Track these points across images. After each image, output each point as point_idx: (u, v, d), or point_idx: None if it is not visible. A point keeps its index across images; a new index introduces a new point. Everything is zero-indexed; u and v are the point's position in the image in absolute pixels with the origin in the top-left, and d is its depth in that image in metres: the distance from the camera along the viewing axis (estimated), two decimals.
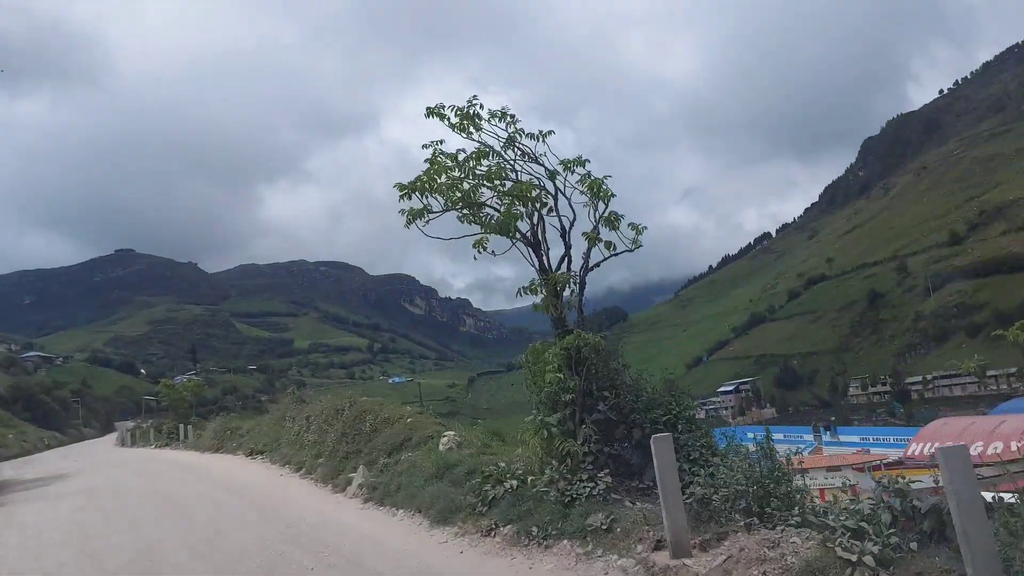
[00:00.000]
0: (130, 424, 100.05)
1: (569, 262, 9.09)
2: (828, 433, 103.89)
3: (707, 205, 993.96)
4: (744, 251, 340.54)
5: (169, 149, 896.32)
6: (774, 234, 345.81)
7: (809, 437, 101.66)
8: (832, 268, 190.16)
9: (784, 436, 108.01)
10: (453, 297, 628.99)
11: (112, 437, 72.59)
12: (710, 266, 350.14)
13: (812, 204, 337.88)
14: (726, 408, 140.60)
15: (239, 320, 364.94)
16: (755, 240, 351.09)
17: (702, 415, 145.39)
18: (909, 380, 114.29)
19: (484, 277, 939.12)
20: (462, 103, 9.45)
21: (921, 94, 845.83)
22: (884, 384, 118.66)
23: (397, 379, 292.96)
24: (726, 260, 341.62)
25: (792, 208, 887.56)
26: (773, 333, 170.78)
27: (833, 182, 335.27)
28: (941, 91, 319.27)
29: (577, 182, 8.96)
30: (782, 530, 5.96)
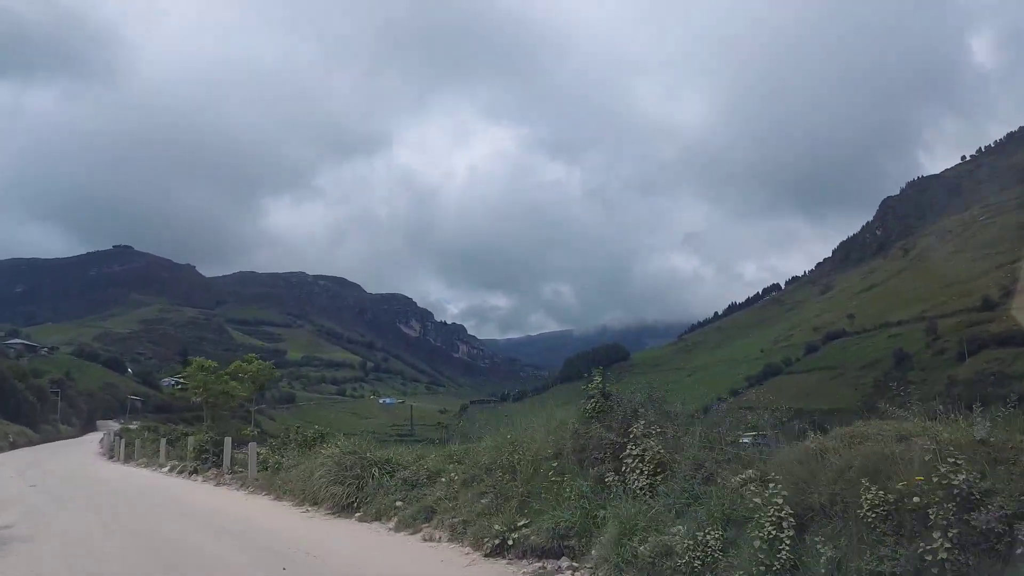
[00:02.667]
0: (115, 426, 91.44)
1: None
2: None
3: (707, 252, 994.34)
4: (752, 300, 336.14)
5: (177, 152, 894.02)
6: (783, 286, 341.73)
7: None
8: (853, 324, 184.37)
9: None
10: (448, 322, 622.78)
11: (92, 439, 63.18)
12: (715, 312, 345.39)
13: (825, 259, 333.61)
14: None
15: (233, 327, 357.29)
16: (763, 291, 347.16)
17: None
18: None
19: (479, 304, 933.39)
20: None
21: (933, 161, 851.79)
22: None
23: (389, 400, 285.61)
24: (733, 308, 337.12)
25: (793, 262, 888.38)
26: (790, 386, 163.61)
27: (848, 239, 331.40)
28: (964, 157, 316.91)
29: None
30: None
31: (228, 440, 22.61)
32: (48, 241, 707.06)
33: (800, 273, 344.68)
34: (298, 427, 21.58)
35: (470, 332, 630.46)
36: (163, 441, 29.92)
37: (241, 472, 20.40)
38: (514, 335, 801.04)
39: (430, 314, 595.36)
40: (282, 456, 18.62)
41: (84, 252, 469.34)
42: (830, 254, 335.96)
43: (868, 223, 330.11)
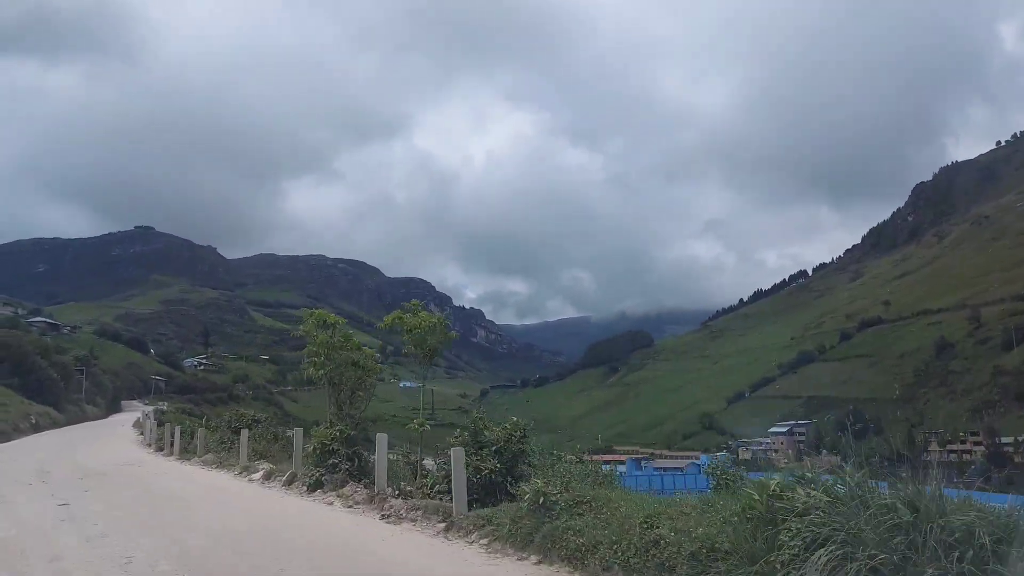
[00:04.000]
0: (141, 406, 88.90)
1: None
2: None
3: (728, 239, 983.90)
4: (778, 287, 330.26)
5: (199, 134, 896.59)
6: (810, 273, 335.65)
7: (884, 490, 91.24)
8: (888, 311, 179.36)
9: None
10: (467, 307, 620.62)
11: (120, 421, 59.27)
12: (740, 299, 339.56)
13: (854, 246, 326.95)
14: (777, 450, 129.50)
15: (254, 308, 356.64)
16: (790, 277, 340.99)
17: (748, 455, 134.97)
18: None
19: (496, 290, 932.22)
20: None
21: (960, 149, 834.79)
22: (964, 442, 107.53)
23: (408, 383, 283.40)
24: (758, 294, 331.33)
25: (815, 250, 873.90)
26: (824, 374, 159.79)
27: (879, 225, 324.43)
28: (999, 143, 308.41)
29: None
30: None
31: (382, 438, 13.21)
32: (70, 221, 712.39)
33: (827, 260, 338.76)
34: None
35: (488, 317, 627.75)
36: (245, 433, 20.13)
37: (410, 493, 12.25)
38: (532, 320, 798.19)
39: (448, 299, 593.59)
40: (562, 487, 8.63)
41: (106, 232, 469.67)
42: (859, 241, 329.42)
43: (899, 209, 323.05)
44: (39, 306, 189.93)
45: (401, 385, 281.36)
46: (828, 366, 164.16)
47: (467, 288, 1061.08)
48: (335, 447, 14.31)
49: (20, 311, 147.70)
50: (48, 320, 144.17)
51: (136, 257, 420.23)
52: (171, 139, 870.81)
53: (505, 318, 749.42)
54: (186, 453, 24.32)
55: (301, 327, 18.24)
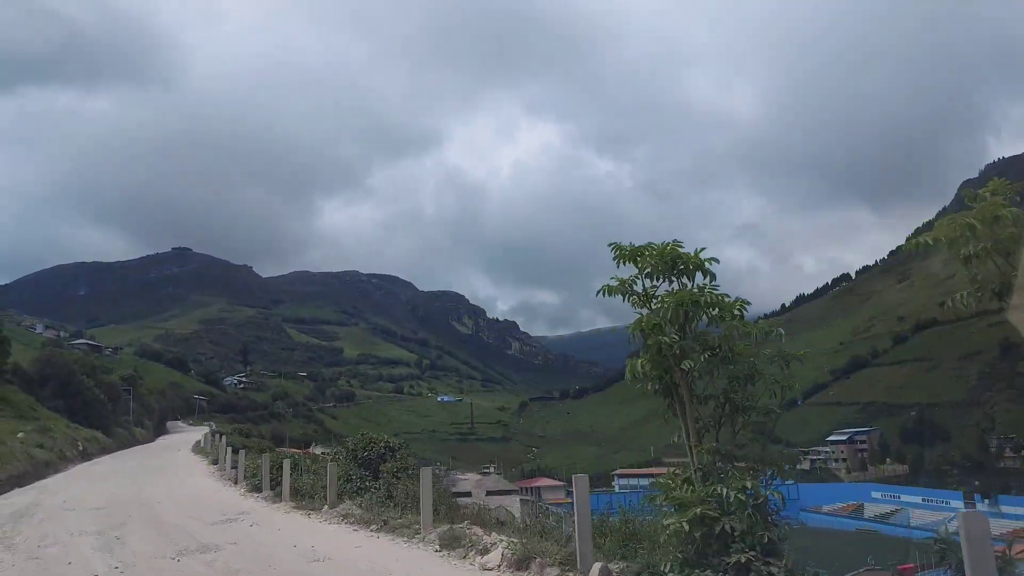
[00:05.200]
0: (186, 426, 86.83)
1: None
2: (987, 502, 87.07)
3: (763, 244, 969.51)
4: (821, 291, 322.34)
5: (233, 154, 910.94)
6: (853, 276, 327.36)
7: (958, 504, 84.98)
8: (945, 313, 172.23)
9: (923, 500, 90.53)
10: (500, 319, 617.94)
11: (171, 444, 55.08)
12: (783, 304, 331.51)
13: (898, 247, 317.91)
14: (837, 460, 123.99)
15: (290, 325, 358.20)
16: (833, 281, 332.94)
17: (806, 466, 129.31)
18: None
19: (527, 301, 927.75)
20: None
21: (1002, 146, 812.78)
22: None
23: (446, 398, 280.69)
24: (801, 299, 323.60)
25: (853, 253, 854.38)
26: (881, 379, 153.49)
27: (924, 225, 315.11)
28: None
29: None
30: None
31: None
32: (110, 244, 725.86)
33: (869, 263, 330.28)
34: None
35: (520, 329, 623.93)
36: (427, 476, 12.03)
37: None
38: (564, 331, 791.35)
39: (482, 311, 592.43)
40: None
41: (144, 255, 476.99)
42: (903, 241, 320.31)
43: (944, 208, 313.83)
44: (80, 329, 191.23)
45: (439, 399, 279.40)
46: (883, 371, 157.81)
47: (498, 300, 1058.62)
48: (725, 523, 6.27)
49: (63, 334, 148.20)
50: (90, 342, 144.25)
51: (174, 278, 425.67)
52: (207, 160, 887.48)
53: (537, 329, 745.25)
54: (301, 499, 16.26)
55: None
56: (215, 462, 29.80)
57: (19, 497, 18.78)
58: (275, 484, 18.25)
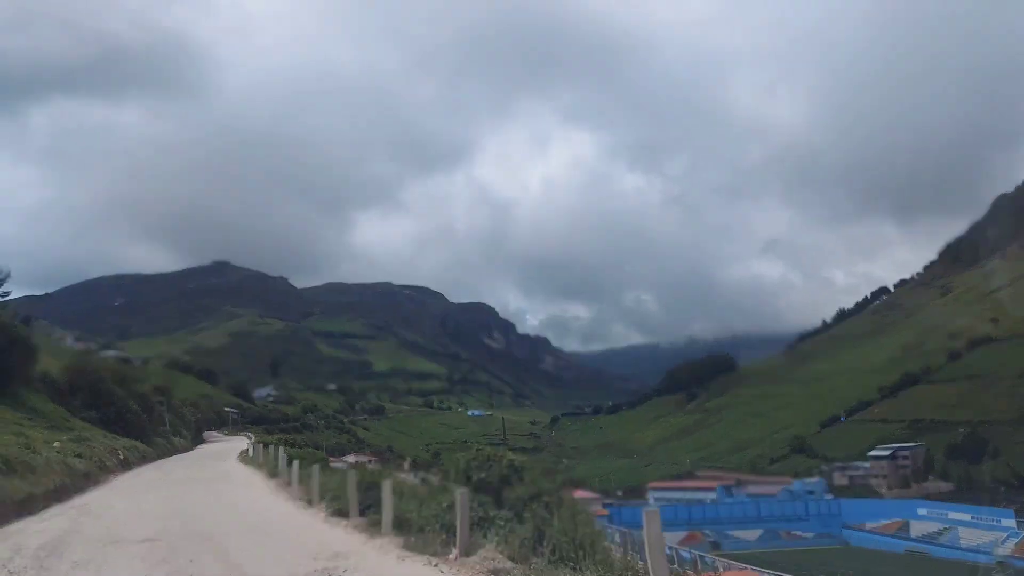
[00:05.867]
0: (221, 436, 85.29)
1: None
2: None
3: (793, 259, 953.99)
4: (861, 305, 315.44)
5: (273, 169, 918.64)
6: (891, 289, 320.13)
7: (1009, 523, 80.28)
8: (999, 329, 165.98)
9: (971, 518, 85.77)
10: (531, 334, 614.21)
11: (212, 452, 53.83)
12: (824, 320, 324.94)
13: (932, 262, 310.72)
14: (877, 476, 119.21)
15: (320, 340, 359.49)
16: (872, 295, 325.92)
17: (845, 481, 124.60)
18: None
19: (559, 315, 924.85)
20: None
21: None
22: None
23: (476, 412, 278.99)
24: (842, 315, 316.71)
25: (881, 268, 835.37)
26: (931, 397, 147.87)
27: (957, 240, 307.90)
28: None
29: None
30: None
31: None
32: (152, 257, 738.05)
33: (902, 277, 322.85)
34: None
35: (553, 344, 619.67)
36: (528, 518, 10.83)
37: None
38: (597, 347, 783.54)
39: (512, 325, 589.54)
40: None
41: (185, 267, 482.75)
42: (935, 256, 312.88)
43: (978, 222, 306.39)
44: (111, 340, 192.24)
45: (469, 413, 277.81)
46: (935, 388, 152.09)
47: (528, 313, 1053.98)
48: None
49: (92, 345, 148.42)
50: (119, 354, 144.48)
51: (210, 290, 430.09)
52: (248, 175, 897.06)
53: (569, 345, 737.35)
54: (407, 533, 12.24)
55: None
56: (273, 475, 26.21)
57: (54, 520, 15.51)
58: (365, 509, 14.67)
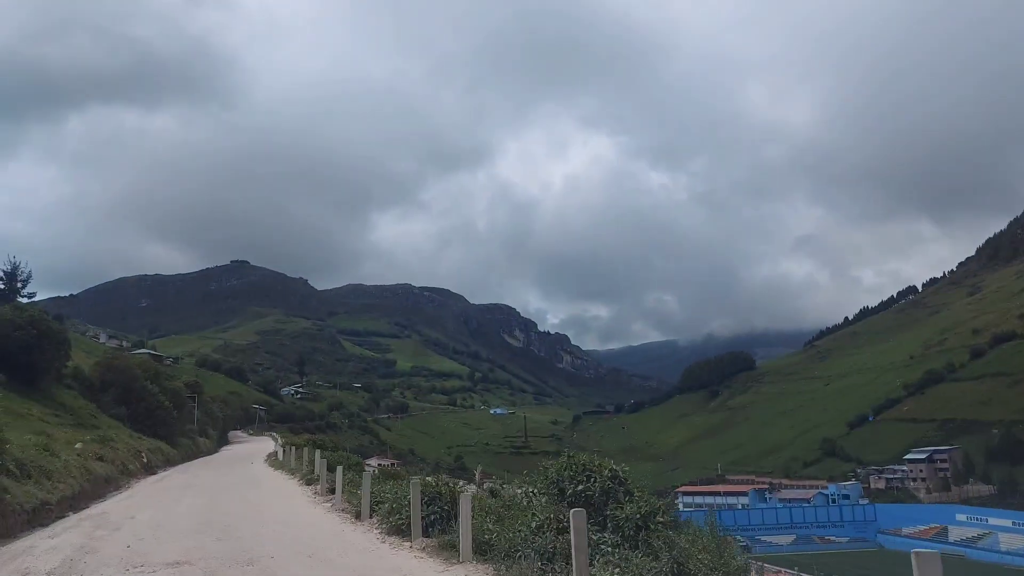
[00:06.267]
0: (247, 436, 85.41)
1: None
2: None
3: (820, 257, 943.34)
4: (886, 304, 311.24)
5: (292, 171, 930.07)
6: (920, 288, 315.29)
7: None
8: None
9: (1012, 523, 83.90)
10: (551, 332, 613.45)
11: (238, 455, 51.96)
12: (846, 318, 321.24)
13: (968, 259, 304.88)
14: (915, 479, 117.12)
15: (344, 337, 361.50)
16: (899, 293, 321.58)
17: (881, 484, 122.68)
18: None
19: (579, 314, 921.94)
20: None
21: None
22: None
23: (499, 411, 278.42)
24: (865, 312, 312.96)
25: (913, 266, 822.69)
26: (958, 395, 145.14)
27: (995, 236, 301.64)
28: None
29: None
30: None
31: None
32: (170, 258, 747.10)
33: (936, 275, 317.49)
34: None
35: (572, 342, 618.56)
36: (640, 544, 8.97)
37: None
38: (615, 345, 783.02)
39: (533, 324, 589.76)
40: None
41: (204, 268, 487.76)
42: (972, 253, 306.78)
43: (1016, 218, 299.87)
44: (143, 339, 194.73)
45: (492, 412, 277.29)
46: (962, 386, 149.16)
47: (548, 313, 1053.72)
48: None
49: (125, 343, 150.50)
50: (151, 352, 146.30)
51: (232, 290, 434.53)
52: (266, 177, 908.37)
53: (588, 343, 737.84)
54: (490, 560, 9.80)
55: None
56: (309, 482, 23.68)
57: (68, 534, 13.66)
58: (428, 526, 12.02)
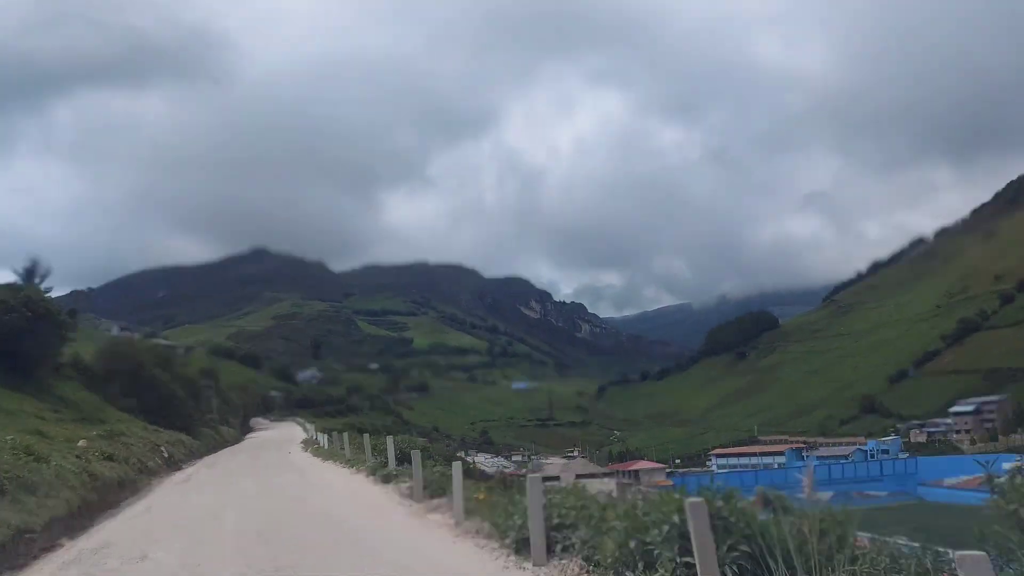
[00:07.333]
0: (270, 423, 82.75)
1: None
2: None
3: (831, 212, 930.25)
4: (898, 256, 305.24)
5: (302, 153, 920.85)
6: (932, 238, 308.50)
7: None
8: None
9: None
10: (567, 302, 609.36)
11: (266, 442, 48.85)
12: (858, 272, 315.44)
13: (983, 204, 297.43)
14: (959, 431, 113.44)
15: (360, 318, 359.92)
16: (910, 244, 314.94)
17: (923, 438, 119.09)
18: None
19: (591, 283, 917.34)
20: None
21: None
22: None
23: (521, 385, 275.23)
24: (877, 265, 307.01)
25: (922, 214, 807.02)
26: (997, 342, 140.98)
27: (1017, 180, 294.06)
28: None
29: None
30: None
31: None
32: (191, 248, 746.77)
33: (945, 224, 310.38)
34: None
35: (588, 311, 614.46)
36: None
37: None
38: (630, 312, 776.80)
39: (548, 295, 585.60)
40: None
41: (223, 256, 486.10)
42: (990, 198, 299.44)
43: None
44: (156, 329, 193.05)
45: (514, 386, 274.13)
46: (1000, 333, 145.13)
47: (561, 283, 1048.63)
48: None
49: (137, 335, 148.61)
50: (163, 342, 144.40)
51: (251, 278, 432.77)
52: (278, 161, 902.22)
53: (604, 311, 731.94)
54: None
55: None
56: (386, 479, 18.12)
57: None
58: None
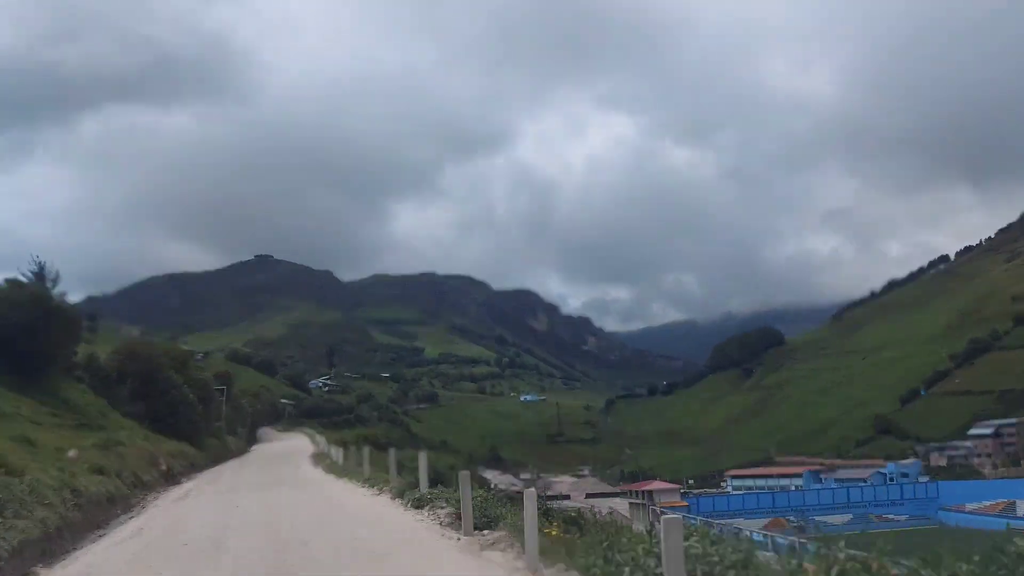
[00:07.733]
0: (277, 432, 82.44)
1: None
2: None
3: (846, 230, 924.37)
4: (915, 274, 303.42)
5: (310, 163, 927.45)
6: (952, 257, 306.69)
7: None
8: None
9: None
10: (574, 315, 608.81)
11: (274, 454, 47.77)
12: (872, 291, 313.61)
13: (1009, 225, 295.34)
14: (979, 456, 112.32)
15: (372, 327, 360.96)
16: (930, 263, 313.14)
17: (943, 462, 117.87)
18: None
19: (599, 297, 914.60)
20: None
21: None
22: None
23: (529, 397, 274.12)
24: (893, 284, 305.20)
25: (945, 235, 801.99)
26: (1010, 363, 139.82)
27: None
28: None
29: None
30: None
31: None
32: (195, 255, 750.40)
33: (968, 244, 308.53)
34: None
35: (594, 325, 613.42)
36: None
37: None
38: (635, 326, 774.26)
39: (555, 308, 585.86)
40: None
41: (229, 264, 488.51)
42: (1016, 218, 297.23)
43: None
44: (175, 335, 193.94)
45: (522, 399, 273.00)
46: (1013, 354, 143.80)
47: (570, 297, 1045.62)
48: None
49: (156, 340, 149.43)
50: (184, 347, 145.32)
51: (259, 285, 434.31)
52: (285, 170, 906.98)
53: (609, 325, 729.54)
54: None
55: None
56: (418, 505, 15.47)
57: None
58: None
